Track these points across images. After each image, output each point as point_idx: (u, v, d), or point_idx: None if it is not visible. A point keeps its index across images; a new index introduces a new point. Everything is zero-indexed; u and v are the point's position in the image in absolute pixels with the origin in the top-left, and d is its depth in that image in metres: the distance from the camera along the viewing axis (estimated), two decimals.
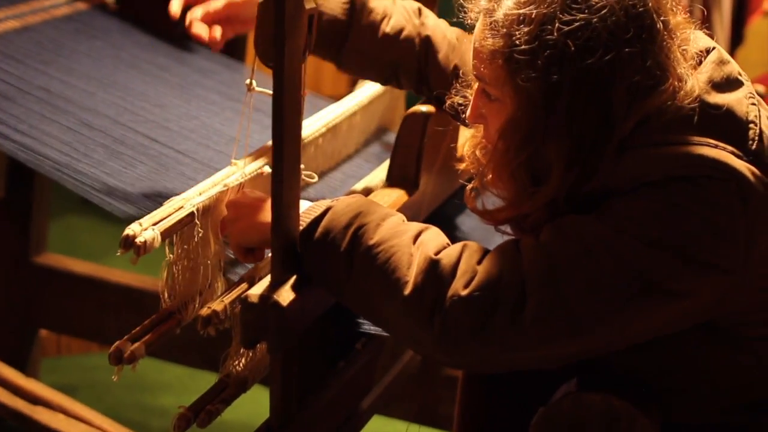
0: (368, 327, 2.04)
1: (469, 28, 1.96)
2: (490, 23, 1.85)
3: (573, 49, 1.78)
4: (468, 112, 1.97)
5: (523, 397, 2.09)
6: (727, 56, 1.94)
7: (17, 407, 2.95)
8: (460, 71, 2.17)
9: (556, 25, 1.78)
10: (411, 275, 1.79)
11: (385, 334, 1.99)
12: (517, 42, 1.81)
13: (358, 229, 1.84)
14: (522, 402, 2.07)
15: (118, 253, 1.87)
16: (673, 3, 1.88)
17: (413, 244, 1.83)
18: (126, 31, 3.13)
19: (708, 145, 1.80)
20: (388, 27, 2.29)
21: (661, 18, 1.83)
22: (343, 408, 2.11)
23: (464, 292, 1.77)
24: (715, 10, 4.88)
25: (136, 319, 2.02)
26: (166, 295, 1.97)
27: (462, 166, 2.05)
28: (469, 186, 2.06)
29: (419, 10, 2.34)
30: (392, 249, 1.82)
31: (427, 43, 2.30)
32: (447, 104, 2.11)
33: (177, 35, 3.03)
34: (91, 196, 2.18)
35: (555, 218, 1.86)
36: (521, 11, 1.81)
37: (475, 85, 1.95)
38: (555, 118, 1.82)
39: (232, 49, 3.30)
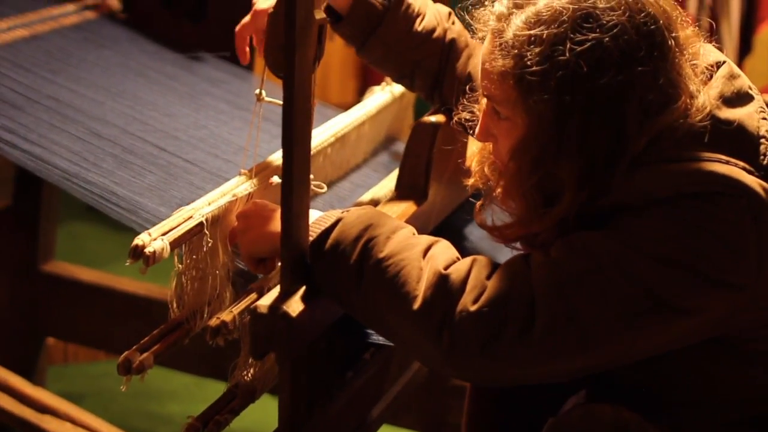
0: (377, 338, 2.04)
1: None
2: (500, 44, 1.83)
3: (585, 69, 1.77)
4: (477, 130, 1.95)
5: (532, 407, 2.09)
6: (737, 70, 1.93)
7: (25, 416, 2.95)
8: (471, 83, 2.16)
9: (568, 45, 1.77)
10: (420, 289, 1.79)
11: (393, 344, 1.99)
12: (528, 63, 1.79)
13: (368, 242, 1.84)
14: (531, 412, 2.07)
15: (127, 263, 1.88)
16: (683, 17, 1.87)
17: (423, 258, 1.82)
18: (134, 40, 3.14)
19: (719, 161, 1.79)
20: (420, 26, 2.28)
21: (672, 34, 1.82)
22: (352, 418, 2.11)
23: (473, 308, 1.76)
24: (723, 20, 4.87)
25: (143, 327, 2.02)
26: (174, 304, 1.97)
27: (470, 181, 2.05)
28: (478, 203, 2.06)
29: (449, 14, 2.35)
30: (402, 262, 1.81)
31: (450, 47, 2.30)
32: (454, 120, 2.10)
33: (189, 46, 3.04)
34: (100, 205, 2.18)
35: (564, 235, 1.85)
36: (532, 32, 1.79)
37: (483, 101, 1.94)
38: (567, 138, 1.80)
39: None
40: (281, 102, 1.77)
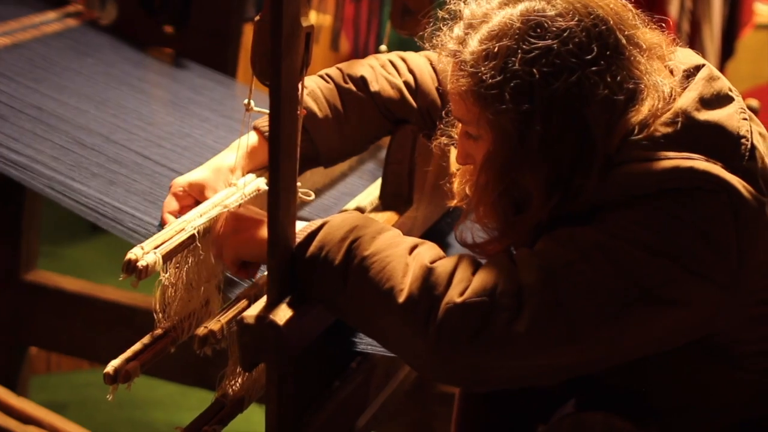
0: (364, 346, 2.03)
1: None
2: (459, 65, 1.87)
3: (538, 76, 1.79)
4: (456, 154, 1.98)
5: (521, 416, 2.09)
6: (717, 72, 1.94)
7: (9, 427, 2.93)
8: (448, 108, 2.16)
9: (519, 55, 1.80)
10: (406, 283, 1.78)
11: (380, 353, 1.99)
12: (484, 78, 1.82)
13: (353, 242, 1.83)
14: (520, 421, 2.07)
15: (121, 278, 1.86)
16: (642, 18, 1.91)
17: (409, 255, 1.82)
18: (117, 48, 3.13)
19: (698, 159, 1.80)
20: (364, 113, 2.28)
21: (625, 33, 1.85)
22: (339, 427, 2.10)
23: (460, 299, 1.76)
24: (705, 23, 4.89)
25: (127, 336, 2.01)
26: (160, 314, 1.96)
27: (453, 202, 2.05)
28: (457, 224, 2.07)
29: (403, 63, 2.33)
30: (387, 259, 1.81)
31: (417, 93, 2.29)
32: (434, 145, 2.11)
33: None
34: (85, 214, 2.17)
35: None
36: (485, 47, 1.83)
37: (459, 127, 1.96)
38: (529, 146, 1.83)
39: (224, 65, 3.29)
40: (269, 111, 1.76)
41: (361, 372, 2.12)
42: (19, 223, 3.44)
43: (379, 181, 2.38)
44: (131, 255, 1.86)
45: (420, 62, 2.29)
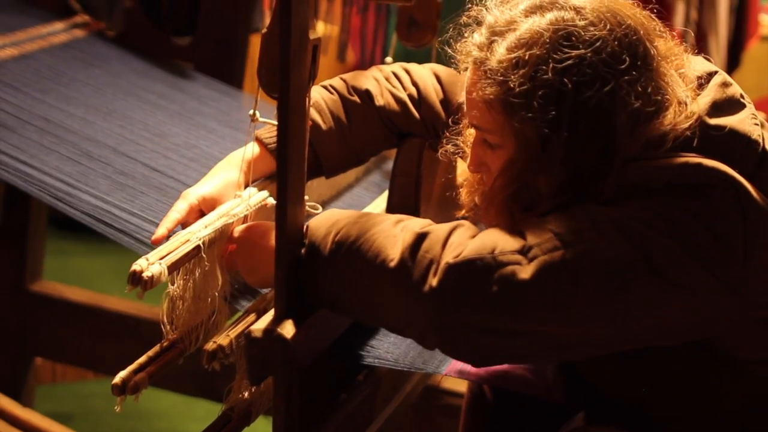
0: (371, 359, 2.03)
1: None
2: (485, 72, 1.85)
3: (570, 85, 1.78)
4: (469, 162, 1.96)
5: (528, 429, 2.08)
6: (729, 79, 1.94)
7: None
8: (455, 116, 2.15)
9: (551, 64, 1.79)
10: (397, 252, 1.77)
11: (387, 365, 1.99)
12: (512, 86, 1.81)
13: (337, 233, 1.83)
14: None
15: (127, 290, 1.86)
16: (661, 28, 1.90)
17: (395, 227, 1.81)
18: (124, 59, 3.13)
19: (707, 158, 1.81)
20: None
21: (654, 44, 1.85)
22: None
23: (455, 260, 1.73)
24: (711, 35, 4.88)
25: (132, 346, 2.01)
26: (168, 326, 1.95)
27: (461, 213, 2.05)
28: (461, 215, 2.06)
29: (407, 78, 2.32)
30: (374, 237, 1.80)
31: (420, 104, 2.29)
32: (440, 153, 2.11)
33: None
34: (93, 225, 2.17)
35: None
36: (514, 55, 1.81)
37: (468, 133, 1.95)
38: (552, 154, 1.82)
39: (230, 76, 3.29)
40: (275, 122, 1.76)
41: (368, 385, 2.12)
42: (25, 233, 3.44)
43: (385, 194, 2.38)
44: (136, 266, 1.85)
45: (423, 74, 2.28)
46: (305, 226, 1.86)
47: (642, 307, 1.76)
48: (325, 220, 1.85)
